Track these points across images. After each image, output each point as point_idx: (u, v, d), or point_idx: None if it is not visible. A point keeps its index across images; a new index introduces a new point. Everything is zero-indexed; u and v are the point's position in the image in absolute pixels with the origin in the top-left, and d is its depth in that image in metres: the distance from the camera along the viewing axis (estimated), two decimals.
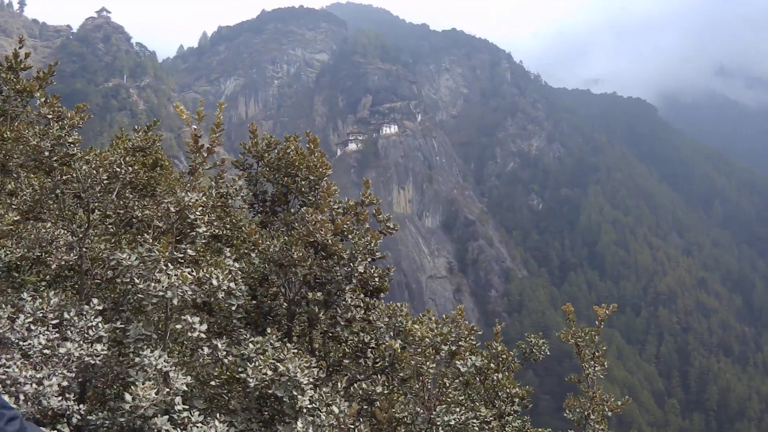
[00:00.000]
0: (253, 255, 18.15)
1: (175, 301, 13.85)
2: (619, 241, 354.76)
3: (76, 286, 16.44)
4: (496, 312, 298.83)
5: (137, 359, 13.37)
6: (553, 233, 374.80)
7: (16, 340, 13.12)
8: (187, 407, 13.36)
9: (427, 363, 16.23)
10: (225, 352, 14.85)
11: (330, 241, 18.20)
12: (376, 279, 19.72)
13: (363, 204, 21.15)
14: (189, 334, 13.97)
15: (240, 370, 14.55)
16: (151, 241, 14.46)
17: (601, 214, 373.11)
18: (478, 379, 19.96)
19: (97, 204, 16.47)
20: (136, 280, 14.02)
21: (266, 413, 14.95)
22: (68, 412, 12.84)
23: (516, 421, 19.81)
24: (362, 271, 18.76)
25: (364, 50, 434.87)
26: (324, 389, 15.19)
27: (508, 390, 19.82)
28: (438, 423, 16.08)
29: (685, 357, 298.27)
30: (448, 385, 16.99)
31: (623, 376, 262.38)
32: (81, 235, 15.63)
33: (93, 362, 13.49)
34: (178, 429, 13.04)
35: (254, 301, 18.56)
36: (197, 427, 13.02)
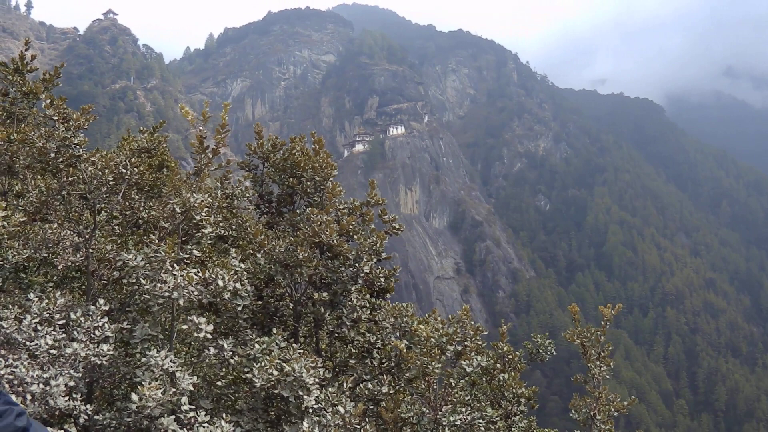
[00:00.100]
0: (259, 256, 18.18)
1: (181, 302, 13.89)
2: (627, 242, 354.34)
3: (83, 287, 16.49)
4: (504, 313, 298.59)
5: (144, 359, 13.40)
6: (560, 234, 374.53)
7: (23, 341, 13.17)
8: (193, 407, 13.39)
9: (433, 363, 16.24)
10: (231, 353, 14.88)
11: (335, 241, 18.22)
12: (382, 279, 19.71)
13: (369, 204, 21.16)
14: (195, 334, 14.00)
15: (246, 370, 14.59)
16: (157, 241, 14.49)
17: (609, 214, 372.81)
18: (484, 379, 19.97)
19: (103, 205, 16.52)
20: (143, 281, 14.05)
21: (272, 413, 14.98)
22: (75, 412, 12.88)
23: (522, 421, 19.81)
24: (368, 271, 18.76)
25: (371, 51, 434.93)
26: (330, 389, 15.20)
27: (514, 390, 19.82)
28: (444, 423, 16.09)
29: (693, 357, 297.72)
30: (453, 385, 17.00)
31: (631, 377, 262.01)
32: (87, 236, 15.67)
33: (99, 362, 13.53)
34: (185, 429, 13.07)
35: (260, 302, 18.60)
36: (203, 427, 13.05)
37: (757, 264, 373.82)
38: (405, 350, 17.25)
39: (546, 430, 20.64)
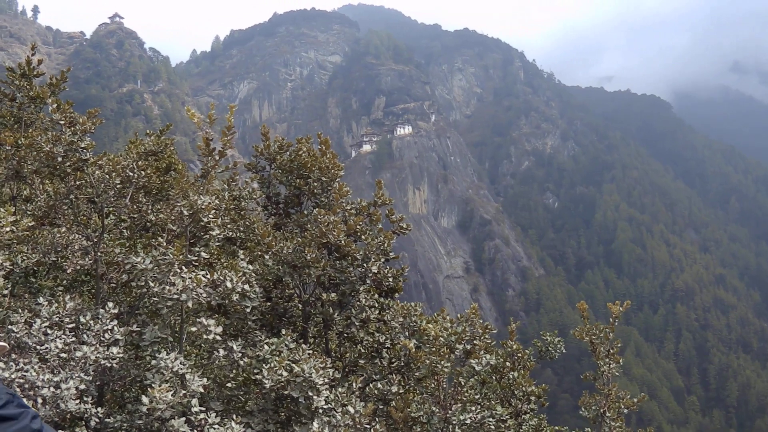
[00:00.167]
0: (267, 257, 18.21)
1: (189, 304, 13.92)
2: (636, 239, 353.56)
3: (93, 291, 16.54)
4: (514, 311, 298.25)
5: (153, 362, 13.44)
6: (569, 232, 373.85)
7: (34, 345, 13.22)
8: (204, 409, 13.42)
9: (442, 362, 16.25)
10: (240, 354, 14.91)
11: (343, 242, 18.24)
12: (390, 279, 19.73)
13: (376, 205, 21.19)
14: (204, 336, 14.04)
15: (256, 371, 14.61)
16: (165, 244, 14.53)
17: (617, 211, 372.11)
18: (494, 377, 19.97)
19: (111, 209, 16.57)
20: (151, 284, 14.09)
21: (282, 414, 15.01)
22: (86, 415, 12.92)
23: (533, 419, 19.80)
24: (376, 271, 18.78)
25: (377, 51, 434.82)
26: (340, 389, 15.22)
27: (524, 388, 19.82)
28: (454, 422, 16.10)
29: (704, 354, 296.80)
30: (463, 384, 17.00)
31: (642, 374, 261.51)
32: (96, 240, 15.72)
33: (109, 365, 13.58)
34: (195, 431, 13.11)
35: (269, 303, 18.63)
36: (214, 428, 13.09)
37: (767, 259, 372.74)
38: (414, 350, 17.26)
39: (556, 427, 20.65)
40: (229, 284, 14.51)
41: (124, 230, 18.38)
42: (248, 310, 15.68)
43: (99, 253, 15.74)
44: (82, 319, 13.82)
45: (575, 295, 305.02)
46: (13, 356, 12.95)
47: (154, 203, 18.26)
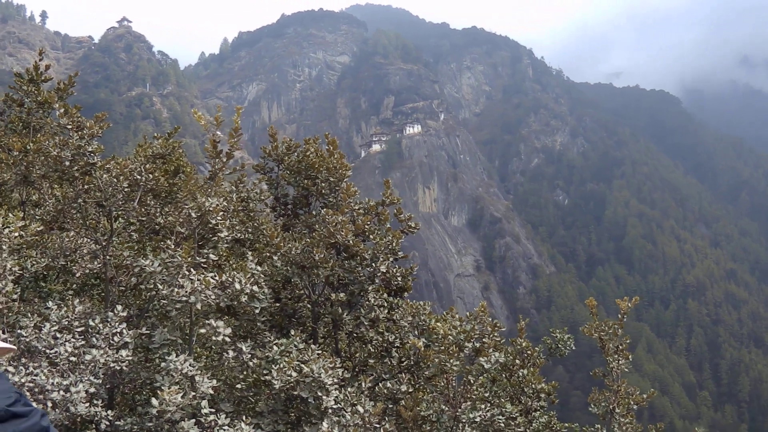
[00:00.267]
0: (276, 258, 18.24)
1: (198, 306, 13.97)
2: (646, 235, 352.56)
3: (103, 294, 16.60)
4: (525, 309, 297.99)
5: (163, 364, 13.48)
6: (579, 228, 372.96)
7: (43, 348, 13.27)
8: (213, 410, 13.46)
9: (451, 361, 16.27)
10: (250, 355, 14.95)
11: (351, 241, 18.26)
12: (399, 278, 19.77)
13: (384, 204, 21.20)
14: (214, 338, 14.08)
15: (265, 372, 14.65)
16: (173, 247, 14.58)
17: (627, 207, 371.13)
18: (504, 375, 19.98)
19: (119, 212, 16.62)
20: (160, 286, 14.14)
21: (292, 414, 15.04)
22: (96, 418, 12.97)
23: (543, 416, 19.81)
24: (385, 271, 18.80)
25: (385, 51, 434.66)
26: (349, 389, 15.25)
27: (533, 386, 19.83)
28: (463, 420, 16.12)
29: (716, 349, 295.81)
30: (472, 382, 17.02)
31: (654, 370, 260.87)
32: (104, 244, 15.78)
33: (119, 368, 13.63)
34: None
35: (278, 304, 18.66)
36: (224, 430, 13.12)
37: None
38: (423, 348, 17.28)
39: (567, 424, 20.65)
40: (237, 286, 14.55)
41: (133, 233, 18.44)
42: (257, 311, 15.71)
43: (108, 257, 15.80)
44: (91, 323, 13.87)
45: (586, 291, 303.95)
46: (23, 360, 13.01)
47: (163, 206, 18.31)
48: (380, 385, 18.04)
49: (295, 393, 14.31)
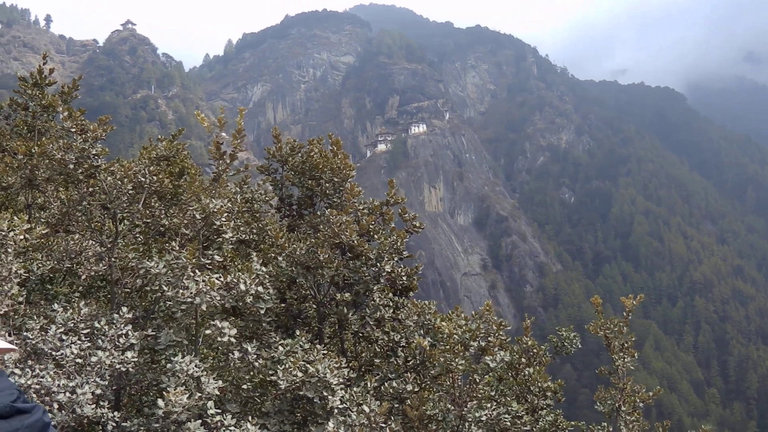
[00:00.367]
0: (281, 258, 18.27)
1: (203, 307, 14.00)
2: (653, 232, 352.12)
3: (109, 296, 16.65)
4: (532, 307, 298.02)
5: (169, 365, 13.52)
6: (585, 226, 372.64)
7: (49, 350, 13.32)
8: (220, 411, 13.50)
9: (456, 360, 16.27)
10: (256, 356, 14.98)
11: (356, 241, 18.29)
12: (404, 278, 19.78)
13: (388, 204, 21.21)
14: (219, 338, 14.11)
15: (271, 372, 14.68)
16: (178, 248, 14.62)
17: (634, 205, 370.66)
18: (510, 374, 19.99)
19: (124, 214, 16.67)
20: (165, 288, 14.18)
21: (298, 415, 15.07)
22: (103, 420, 13.01)
23: (549, 415, 19.80)
24: (390, 270, 18.83)
25: (389, 51, 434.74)
26: (355, 389, 15.28)
27: (540, 384, 19.83)
28: (469, 419, 16.13)
29: (724, 346, 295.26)
30: (478, 381, 17.03)
31: (661, 367, 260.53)
32: (110, 246, 15.82)
33: (125, 370, 13.67)
34: None
35: (283, 305, 18.69)
36: (230, 430, 13.16)
37: None
38: (429, 348, 17.29)
39: (573, 422, 20.64)
40: (242, 287, 14.58)
41: (138, 235, 18.49)
42: (262, 311, 15.74)
43: (113, 259, 15.84)
44: (97, 325, 13.92)
45: (593, 289, 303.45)
46: (30, 362, 13.06)
47: (168, 208, 18.35)
48: (386, 384, 18.06)
49: (301, 393, 14.35)
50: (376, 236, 19.22)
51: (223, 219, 15.75)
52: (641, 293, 21.02)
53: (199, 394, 13.18)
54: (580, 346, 21.68)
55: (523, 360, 20.17)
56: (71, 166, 15.57)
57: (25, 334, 13.40)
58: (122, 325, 14.06)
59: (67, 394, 12.57)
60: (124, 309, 14.41)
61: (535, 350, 20.74)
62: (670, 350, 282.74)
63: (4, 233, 14.80)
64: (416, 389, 17.91)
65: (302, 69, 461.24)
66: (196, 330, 14.76)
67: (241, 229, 18.82)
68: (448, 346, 16.47)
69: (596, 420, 22.73)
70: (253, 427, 13.30)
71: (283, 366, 14.42)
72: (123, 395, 15.43)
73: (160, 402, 12.58)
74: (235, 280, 14.58)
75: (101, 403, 13.05)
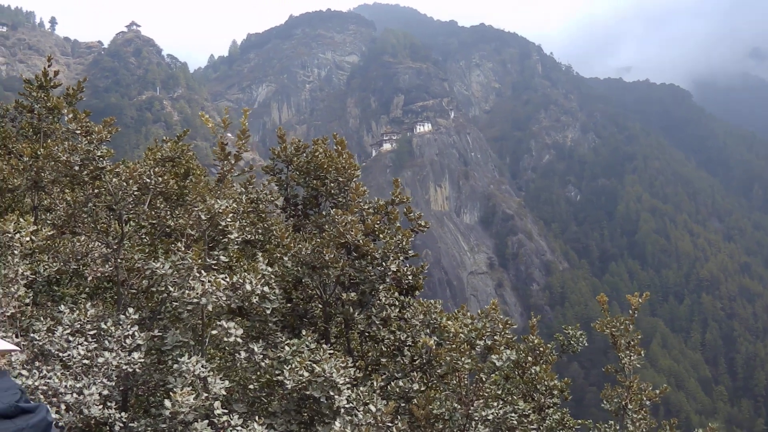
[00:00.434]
0: (286, 258, 18.29)
1: (210, 307, 14.02)
2: (659, 229, 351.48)
3: (116, 297, 16.69)
4: (539, 305, 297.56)
5: (175, 366, 13.54)
6: (591, 224, 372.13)
7: (56, 352, 13.35)
8: (226, 411, 13.52)
9: (463, 359, 16.27)
10: (262, 356, 15.00)
11: (361, 241, 18.31)
12: (410, 277, 19.80)
13: (393, 203, 21.23)
14: (225, 339, 14.13)
15: (277, 372, 14.70)
16: (183, 249, 14.64)
17: (640, 202, 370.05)
18: (517, 372, 20.00)
19: (130, 215, 16.71)
20: (171, 289, 14.20)
21: (305, 414, 15.09)
22: (110, 421, 13.04)
23: (556, 413, 19.80)
24: (395, 269, 18.84)
25: (394, 50, 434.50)
26: (361, 388, 15.30)
27: (546, 382, 19.83)
28: (476, 418, 16.13)
29: (731, 343, 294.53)
30: (484, 379, 17.03)
31: (669, 365, 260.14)
32: (116, 247, 15.85)
33: (131, 370, 13.70)
34: None
35: (289, 305, 18.71)
36: (237, 430, 13.18)
37: None
38: (435, 347, 17.30)
39: (580, 421, 20.64)
40: (248, 287, 14.60)
41: (144, 236, 18.52)
42: (269, 311, 15.76)
43: (119, 260, 15.88)
44: (103, 326, 13.95)
45: (600, 287, 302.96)
46: (37, 364, 13.09)
47: (173, 209, 18.39)
48: (392, 383, 18.09)
49: (308, 393, 14.36)
50: (381, 236, 19.24)
51: (229, 219, 15.77)
52: (648, 291, 21.01)
53: (206, 395, 13.20)
54: (586, 345, 21.69)
55: (529, 358, 20.19)
56: (77, 168, 15.61)
57: (32, 335, 13.44)
58: (129, 326, 14.09)
59: (75, 395, 12.60)
60: (131, 310, 14.44)
61: (541, 349, 20.75)
62: (677, 348, 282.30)
63: (10, 235, 14.85)
64: (423, 388, 17.93)
65: (307, 69, 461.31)
66: (202, 330, 14.79)
67: (247, 229, 18.84)
68: (454, 345, 16.47)
69: (603, 418, 22.71)
70: (260, 426, 13.32)
71: (290, 366, 14.43)
72: (130, 396, 15.47)
73: (167, 402, 12.60)
74: (241, 280, 14.60)
75: (108, 404, 13.08)
